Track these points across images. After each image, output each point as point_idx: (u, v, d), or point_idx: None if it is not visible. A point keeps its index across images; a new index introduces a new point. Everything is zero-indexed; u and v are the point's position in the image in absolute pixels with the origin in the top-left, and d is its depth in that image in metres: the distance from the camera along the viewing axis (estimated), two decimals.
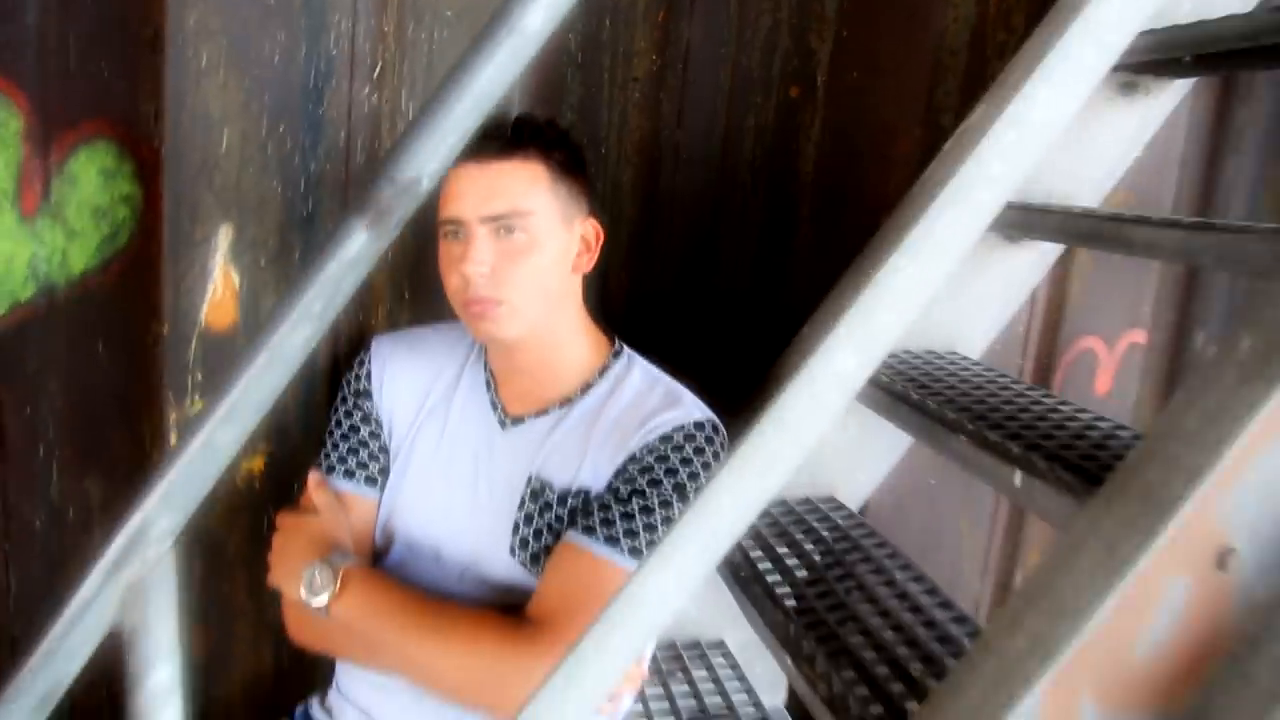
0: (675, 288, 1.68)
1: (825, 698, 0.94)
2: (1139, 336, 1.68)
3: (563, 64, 1.56)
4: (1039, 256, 1.41)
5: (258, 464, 1.42)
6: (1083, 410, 1.12)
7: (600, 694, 0.77)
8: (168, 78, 1.29)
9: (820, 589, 1.15)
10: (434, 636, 1.07)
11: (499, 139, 1.15)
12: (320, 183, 1.36)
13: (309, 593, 1.11)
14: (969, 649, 0.84)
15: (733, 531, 0.77)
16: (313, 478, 1.25)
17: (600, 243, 1.23)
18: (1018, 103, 0.78)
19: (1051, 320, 1.60)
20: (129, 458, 1.61)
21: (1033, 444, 1.00)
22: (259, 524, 1.44)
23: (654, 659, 1.42)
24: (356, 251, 0.63)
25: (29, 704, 0.69)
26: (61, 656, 0.68)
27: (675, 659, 1.42)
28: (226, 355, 1.37)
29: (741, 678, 1.34)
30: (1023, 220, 1.28)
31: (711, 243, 1.69)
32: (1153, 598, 0.83)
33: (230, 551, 1.45)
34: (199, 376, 1.37)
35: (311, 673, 1.50)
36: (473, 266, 1.12)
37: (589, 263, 1.23)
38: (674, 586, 0.76)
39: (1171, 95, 1.37)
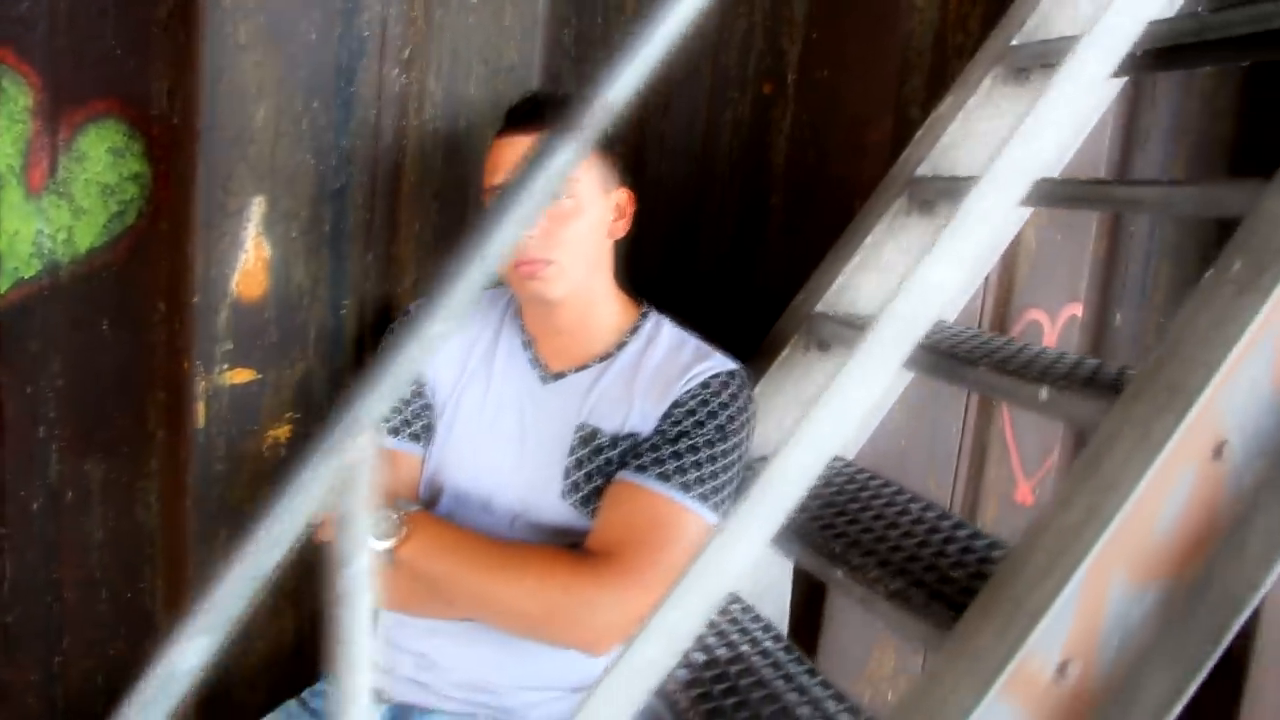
0: (659, 273, 1.78)
1: (887, 595, 1.06)
2: (1077, 309, 1.89)
3: (557, 57, 1.66)
4: (1005, 225, 1.58)
5: (284, 432, 1.45)
6: (1065, 352, 1.28)
7: (688, 636, 0.87)
8: (205, 52, 1.33)
9: (847, 519, 1.27)
10: (505, 573, 1.14)
11: (541, 113, 1.24)
12: (351, 158, 1.41)
13: (375, 538, 1.16)
14: (1032, 524, 0.97)
15: (799, 491, 0.89)
16: None
17: (632, 210, 1.33)
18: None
19: (1002, 295, 1.79)
20: (131, 439, 1.61)
21: (1044, 369, 1.15)
22: (251, 469, 1.47)
23: None
24: (562, 164, 0.72)
25: (237, 588, 0.74)
26: (270, 541, 0.73)
27: None
28: (256, 325, 1.41)
29: (757, 618, 1.44)
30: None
31: (692, 231, 1.81)
32: (1170, 481, 0.98)
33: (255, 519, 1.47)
34: (229, 346, 1.40)
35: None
36: (518, 256, 1.21)
37: (622, 228, 1.33)
38: (754, 539, 0.88)
39: (1111, 88, 1.57)
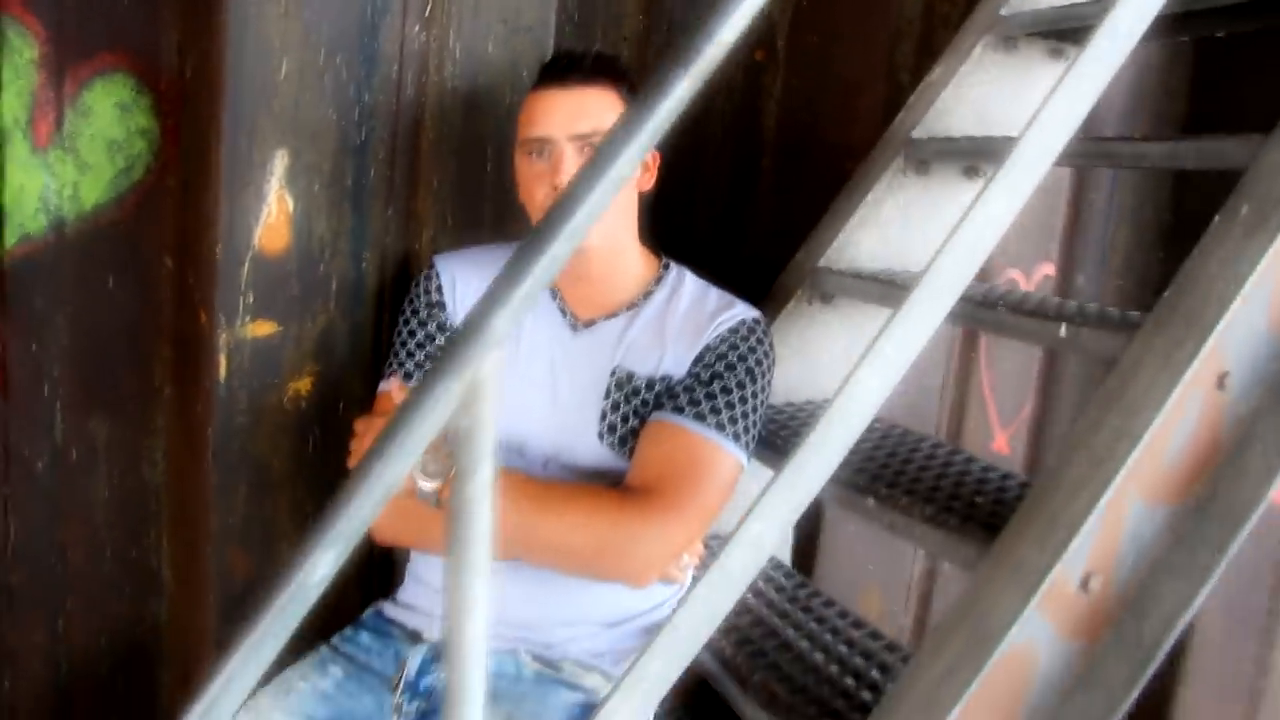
0: (657, 229, 1.83)
1: (923, 519, 1.13)
2: (1050, 269, 2.00)
3: (562, 21, 1.69)
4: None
5: (305, 385, 1.46)
6: (1067, 299, 1.37)
7: (770, 548, 0.93)
8: (229, 5, 1.33)
9: (862, 456, 1.34)
10: (555, 511, 1.18)
11: (580, 68, 1.28)
12: (373, 113, 1.42)
13: (423, 478, 1.19)
14: (1064, 445, 1.05)
15: (857, 431, 0.95)
16: (395, 382, 1.32)
17: (657, 165, 1.37)
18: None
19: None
20: (137, 396, 1.60)
21: (1056, 310, 1.23)
22: (304, 445, 1.48)
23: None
24: (679, 97, 0.77)
25: (364, 502, 0.76)
26: (397, 453, 0.76)
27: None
28: (278, 278, 1.41)
29: (778, 565, 1.51)
30: (989, 150, 1.54)
31: (689, 191, 1.86)
32: (1182, 408, 1.07)
33: (274, 474, 1.48)
34: (251, 299, 1.40)
35: (354, 590, 1.55)
36: (565, 178, 1.25)
37: (648, 181, 1.37)
38: (820, 470, 0.93)
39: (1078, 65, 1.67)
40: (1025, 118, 1.48)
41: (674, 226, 1.82)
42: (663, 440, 1.24)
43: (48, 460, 1.57)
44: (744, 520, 0.87)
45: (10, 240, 1.49)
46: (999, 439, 2.03)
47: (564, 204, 0.77)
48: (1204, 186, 2.15)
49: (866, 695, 1.16)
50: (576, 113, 1.26)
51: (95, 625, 1.66)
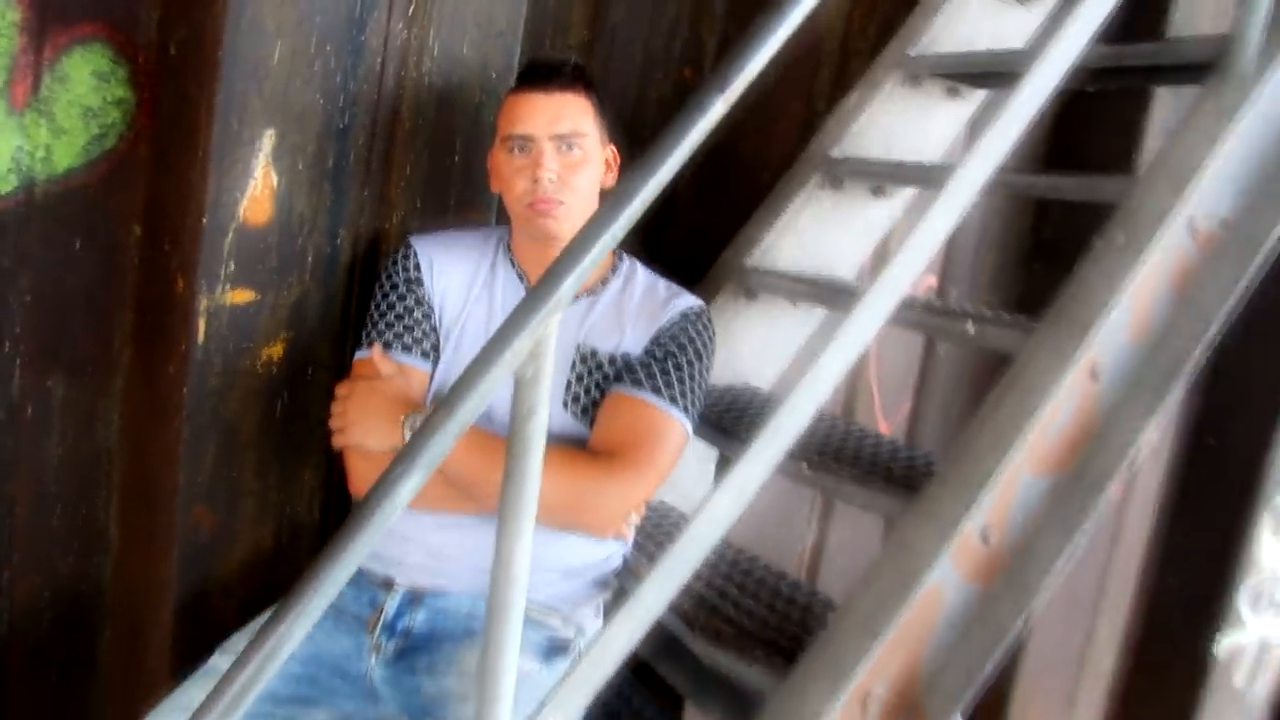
0: None
1: (852, 479, 1.34)
2: (933, 281, 2.25)
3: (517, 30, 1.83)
4: (890, 210, 1.90)
5: (277, 351, 1.55)
6: (966, 304, 1.61)
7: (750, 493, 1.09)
8: None
9: None
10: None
11: (562, 75, 1.43)
12: (356, 101, 1.52)
13: (408, 430, 1.31)
14: (974, 420, 1.26)
15: (810, 414, 1.12)
16: (376, 349, 1.42)
17: (618, 164, 1.53)
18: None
19: (876, 264, 2.11)
20: (96, 359, 1.65)
21: (963, 311, 1.46)
22: (273, 408, 1.56)
23: None
24: (711, 119, 0.94)
25: (446, 433, 0.89)
26: (473, 392, 0.89)
27: None
28: (259, 249, 1.50)
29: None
30: (897, 174, 1.77)
31: None
32: (1067, 395, 1.31)
33: (243, 435, 1.55)
34: (232, 268, 1.48)
35: (311, 547, 1.64)
36: (546, 173, 1.39)
37: (611, 180, 1.52)
38: (781, 446, 1.10)
39: (974, 102, 1.92)
40: (926, 145, 1.73)
41: None
42: (623, 410, 1.40)
43: (3, 416, 1.60)
44: (713, 493, 1.04)
45: None
46: (883, 428, 2.28)
47: (620, 199, 0.93)
48: (1057, 218, 2.47)
49: (797, 630, 1.35)
50: (557, 115, 1.41)
51: (39, 581, 1.69)
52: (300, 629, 0.86)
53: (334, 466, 1.63)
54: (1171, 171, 1.32)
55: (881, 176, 1.80)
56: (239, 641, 1.39)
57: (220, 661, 1.38)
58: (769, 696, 1.23)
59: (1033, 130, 2.33)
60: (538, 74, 1.45)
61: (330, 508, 1.66)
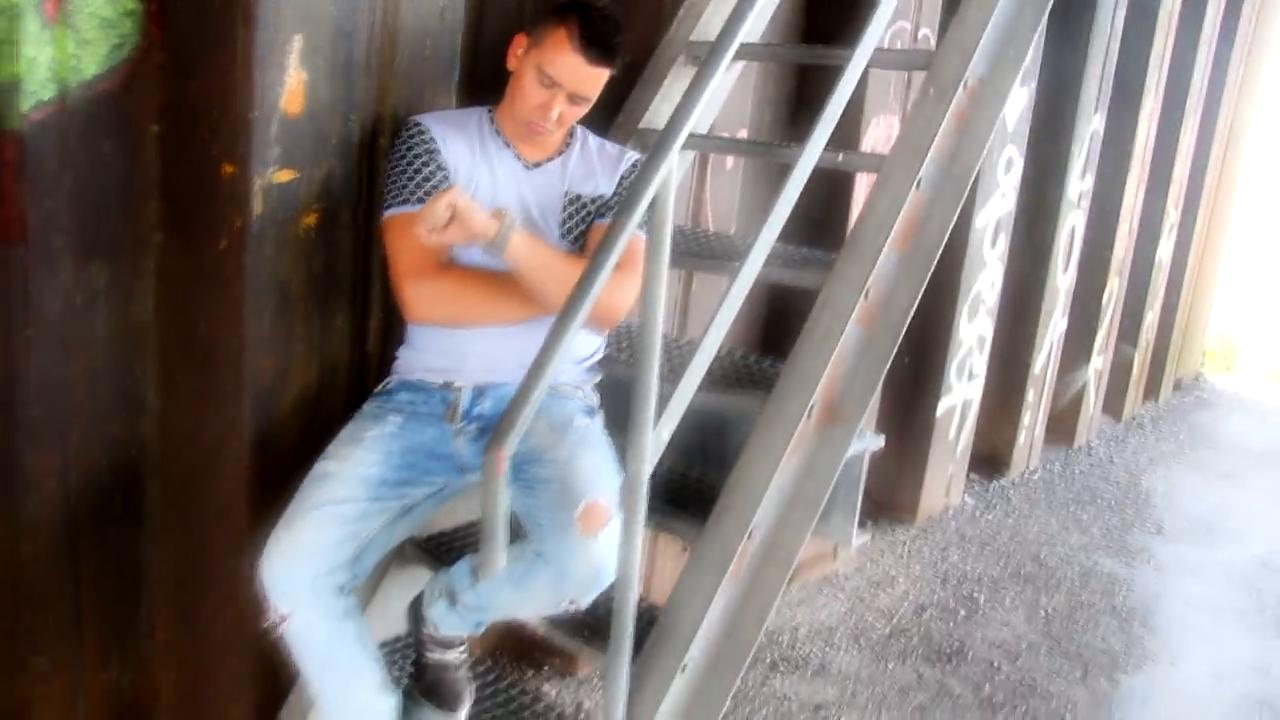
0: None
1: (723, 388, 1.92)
2: (744, 131, 2.87)
3: None
4: (730, 78, 2.47)
5: (313, 218, 1.85)
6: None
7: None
8: None
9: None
10: (571, 267, 1.74)
11: (611, 58, 1.78)
12: (357, 7, 1.84)
13: (506, 228, 1.64)
14: (857, 227, 1.89)
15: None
16: (409, 206, 1.77)
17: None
18: None
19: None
20: (129, 244, 1.89)
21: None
22: (312, 267, 1.88)
23: None
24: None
25: (604, 266, 1.36)
26: (624, 230, 1.36)
27: None
28: (296, 134, 1.80)
29: None
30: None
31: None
32: (907, 202, 1.95)
33: (292, 291, 1.86)
34: (277, 151, 1.78)
35: (346, 384, 1.99)
36: (551, 115, 1.78)
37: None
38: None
39: (738, 73, 2.51)
40: (758, 25, 2.29)
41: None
42: None
43: (60, 304, 1.81)
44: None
45: (27, 105, 1.71)
46: None
47: (686, 105, 1.42)
48: (812, 80, 3.15)
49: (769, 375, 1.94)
50: (584, 83, 1.79)
51: (96, 448, 1.93)
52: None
53: (360, 314, 1.99)
54: (959, 45, 1.98)
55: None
56: (338, 448, 1.77)
57: (328, 466, 1.75)
58: (762, 410, 1.82)
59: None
60: (597, 46, 1.76)
61: (359, 350, 2.02)
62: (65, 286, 1.82)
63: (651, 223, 1.44)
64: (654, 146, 1.43)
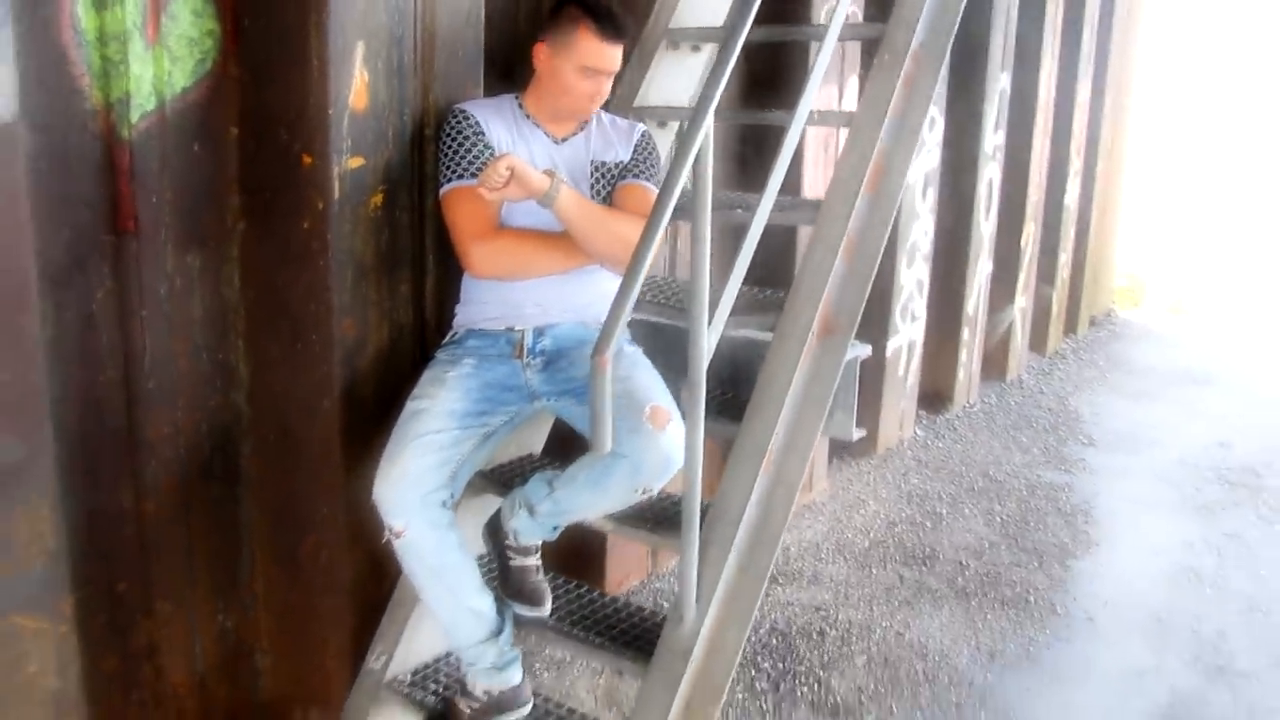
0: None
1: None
2: None
3: None
4: (703, 59, 2.82)
5: (378, 199, 2.13)
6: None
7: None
8: None
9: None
10: (613, 220, 2.08)
11: (625, 34, 2.13)
12: (403, 17, 2.14)
13: (555, 183, 1.98)
14: (838, 168, 2.26)
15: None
16: (466, 180, 2.09)
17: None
18: None
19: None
20: (216, 233, 2.17)
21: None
22: (379, 241, 2.17)
23: None
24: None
25: (662, 219, 1.70)
26: (672, 194, 1.70)
27: None
28: (363, 127, 2.10)
29: None
30: (702, 36, 2.69)
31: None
32: (875, 151, 2.34)
33: (366, 263, 2.14)
34: (350, 142, 2.08)
35: (409, 345, 2.30)
36: (600, 97, 2.15)
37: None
38: None
39: (707, 55, 2.87)
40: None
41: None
42: (635, 194, 2.22)
43: (165, 288, 2.09)
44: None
45: (135, 117, 1.98)
46: None
47: (711, 85, 1.77)
48: (766, 57, 3.52)
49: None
50: (615, 61, 2.14)
51: (198, 416, 2.21)
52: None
53: (418, 280, 2.30)
54: (906, 17, 2.36)
55: (696, 38, 2.72)
56: (425, 388, 2.09)
57: (420, 404, 2.07)
58: (777, 325, 2.18)
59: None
60: (614, 29, 2.11)
61: (419, 312, 2.33)
62: (168, 273, 2.09)
63: (695, 174, 1.79)
64: (690, 117, 1.77)
